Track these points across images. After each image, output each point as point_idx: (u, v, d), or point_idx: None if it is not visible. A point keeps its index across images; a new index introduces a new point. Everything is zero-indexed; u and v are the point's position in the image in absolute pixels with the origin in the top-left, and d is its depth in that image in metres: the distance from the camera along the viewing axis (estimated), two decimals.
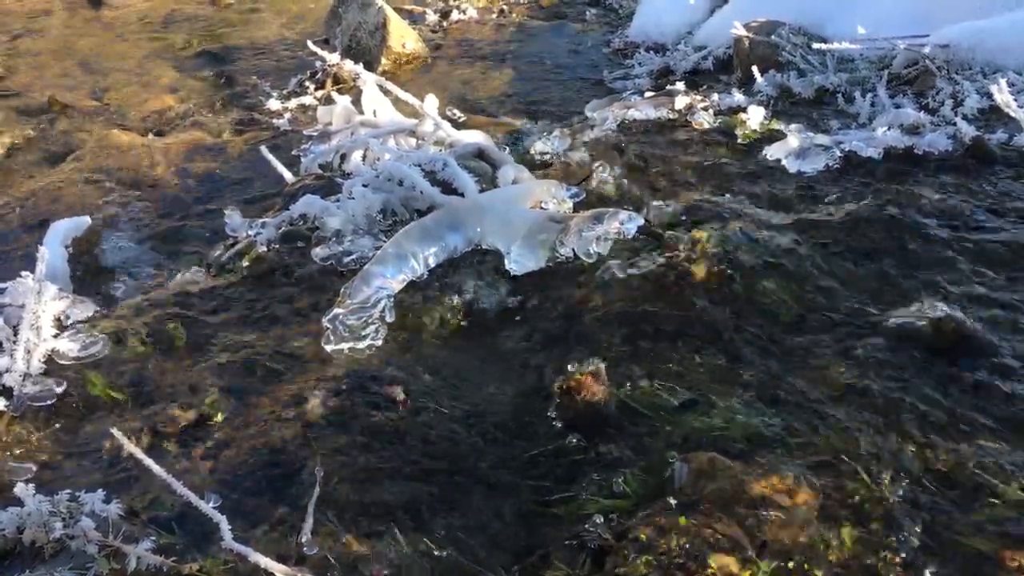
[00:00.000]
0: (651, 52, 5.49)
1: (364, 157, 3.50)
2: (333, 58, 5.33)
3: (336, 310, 2.22)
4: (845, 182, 2.86)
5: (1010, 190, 2.71)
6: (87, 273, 3.27)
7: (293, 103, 5.21)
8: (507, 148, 3.59)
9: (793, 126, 3.26)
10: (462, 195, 2.81)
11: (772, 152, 3.11)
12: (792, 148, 3.05)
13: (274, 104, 5.23)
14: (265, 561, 1.45)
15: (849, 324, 2.11)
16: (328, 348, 2.17)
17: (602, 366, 1.89)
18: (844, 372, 1.92)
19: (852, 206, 2.61)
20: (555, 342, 2.16)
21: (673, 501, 1.55)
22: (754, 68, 4.18)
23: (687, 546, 1.45)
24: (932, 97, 3.55)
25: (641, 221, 2.42)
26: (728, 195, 2.79)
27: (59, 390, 2.06)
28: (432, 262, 2.41)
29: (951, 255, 2.35)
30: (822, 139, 3.07)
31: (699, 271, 2.26)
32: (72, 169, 4.31)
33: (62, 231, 3.35)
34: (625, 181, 2.96)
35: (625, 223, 2.38)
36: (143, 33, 7.04)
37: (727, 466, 1.60)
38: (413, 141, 3.57)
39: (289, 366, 2.15)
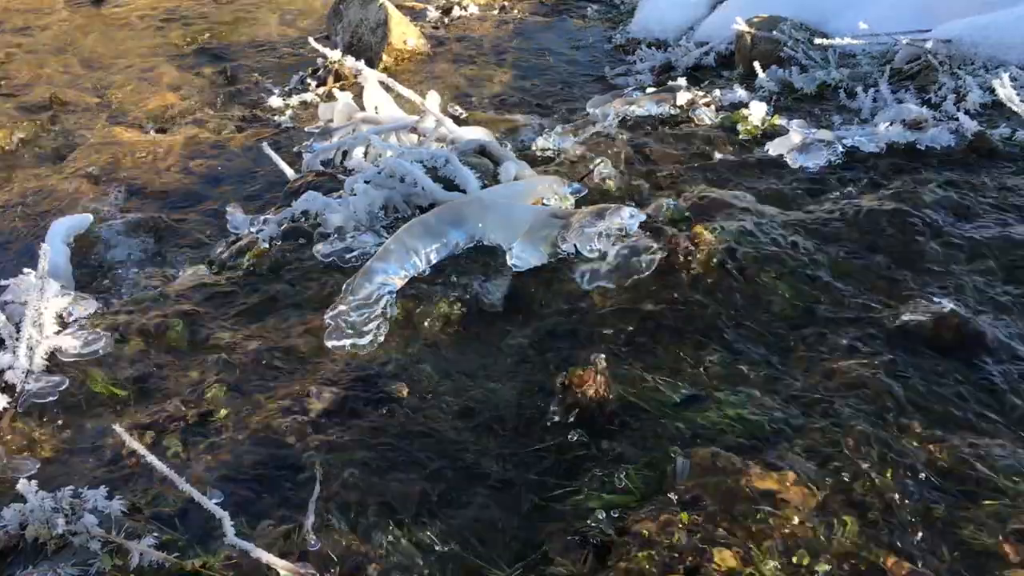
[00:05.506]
0: (652, 48, 5.49)
1: (366, 154, 3.50)
2: (334, 55, 5.33)
3: (338, 307, 2.22)
4: (847, 178, 2.86)
5: (1013, 185, 2.70)
6: (89, 270, 3.28)
7: (295, 100, 5.22)
8: (509, 144, 3.59)
9: (795, 122, 3.26)
10: (464, 191, 2.81)
11: (774, 148, 3.10)
12: (794, 144, 3.04)
13: (276, 101, 5.23)
14: (268, 557, 1.46)
15: (851, 319, 2.11)
16: (330, 344, 2.17)
17: (604, 362, 1.89)
18: (846, 367, 1.92)
19: (854, 202, 2.61)
20: (557, 338, 2.16)
21: (675, 497, 1.55)
22: (756, 64, 4.18)
23: (689, 542, 1.45)
24: (934, 92, 3.55)
25: (643, 217, 2.42)
26: (730, 191, 2.78)
27: (62, 387, 2.06)
28: (434, 258, 2.41)
29: (954, 250, 2.35)
30: (824, 135, 3.07)
31: (701, 266, 2.26)
32: (74, 166, 4.32)
33: (64, 228, 3.36)
34: (627, 177, 2.96)
35: (627, 219, 2.37)
36: (144, 30, 7.04)
37: (729, 461, 1.60)
38: (415, 138, 3.57)
39: (291, 363, 2.15)
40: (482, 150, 3.25)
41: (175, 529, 1.63)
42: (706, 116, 3.51)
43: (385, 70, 5.29)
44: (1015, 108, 3.14)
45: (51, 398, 2.04)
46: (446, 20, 6.72)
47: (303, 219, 2.82)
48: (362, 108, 3.84)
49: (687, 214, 2.58)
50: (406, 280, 2.34)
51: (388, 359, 2.12)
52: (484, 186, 2.86)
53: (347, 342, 2.16)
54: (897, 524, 1.50)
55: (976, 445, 1.69)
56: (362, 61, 4.44)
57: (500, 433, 1.88)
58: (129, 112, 5.33)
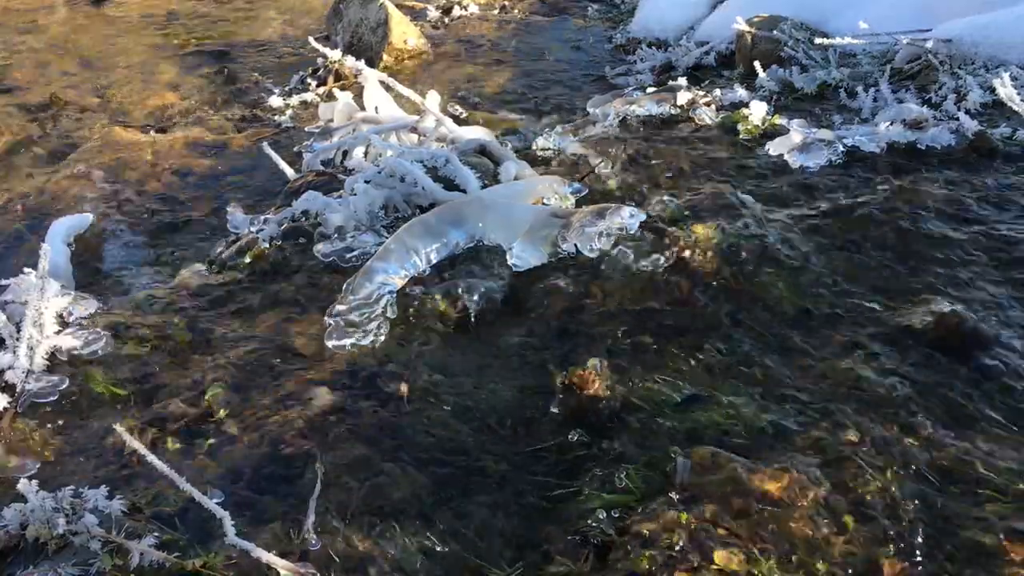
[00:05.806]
0: (653, 48, 5.49)
1: (366, 154, 3.50)
2: (335, 55, 5.33)
3: (338, 306, 2.22)
4: (848, 177, 2.86)
5: (1013, 184, 2.70)
6: (89, 270, 3.28)
7: (295, 100, 5.21)
8: (509, 144, 3.58)
9: (795, 121, 3.25)
10: (464, 191, 2.81)
11: (774, 147, 3.10)
12: (794, 143, 3.04)
13: (276, 101, 5.23)
14: (268, 557, 1.46)
15: (852, 319, 2.11)
16: (331, 344, 2.17)
17: (604, 361, 1.89)
18: (847, 367, 1.92)
19: (855, 201, 2.61)
20: (557, 337, 2.16)
21: (675, 496, 1.55)
22: (756, 63, 4.18)
23: (689, 541, 1.45)
24: (935, 92, 3.55)
25: (643, 216, 2.42)
26: (730, 190, 2.78)
27: (62, 387, 2.06)
28: (434, 258, 2.41)
29: (954, 250, 2.35)
30: (824, 134, 3.07)
31: (701, 266, 2.26)
32: (74, 166, 4.31)
33: (64, 228, 3.36)
34: (627, 177, 2.96)
35: (627, 218, 2.38)
36: (145, 30, 7.04)
37: (729, 461, 1.60)
38: (415, 137, 3.57)
39: (291, 362, 2.15)
40: (482, 150, 3.25)
41: (175, 529, 1.62)
42: (706, 116, 3.50)
43: (385, 70, 5.28)
44: (1015, 107, 3.14)
45: (51, 398, 2.04)
46: (446, 20, 6.72)
47: (303, 219, 2.82)
48: (362, 108, 3.84)
49: (687, 214, 2.58)
50: (406, 280, 2.34)
51: (388, 359, 2.12)
52: (484, 186, 2.86)
53: (347, 342, 2.16)
54: (897, 524, 1.49)
55: (976, 445, 1.69)
56: (362, 61, 4.44)
57: (500, 433, 1.88)
58: (129, 112, 5.33)
